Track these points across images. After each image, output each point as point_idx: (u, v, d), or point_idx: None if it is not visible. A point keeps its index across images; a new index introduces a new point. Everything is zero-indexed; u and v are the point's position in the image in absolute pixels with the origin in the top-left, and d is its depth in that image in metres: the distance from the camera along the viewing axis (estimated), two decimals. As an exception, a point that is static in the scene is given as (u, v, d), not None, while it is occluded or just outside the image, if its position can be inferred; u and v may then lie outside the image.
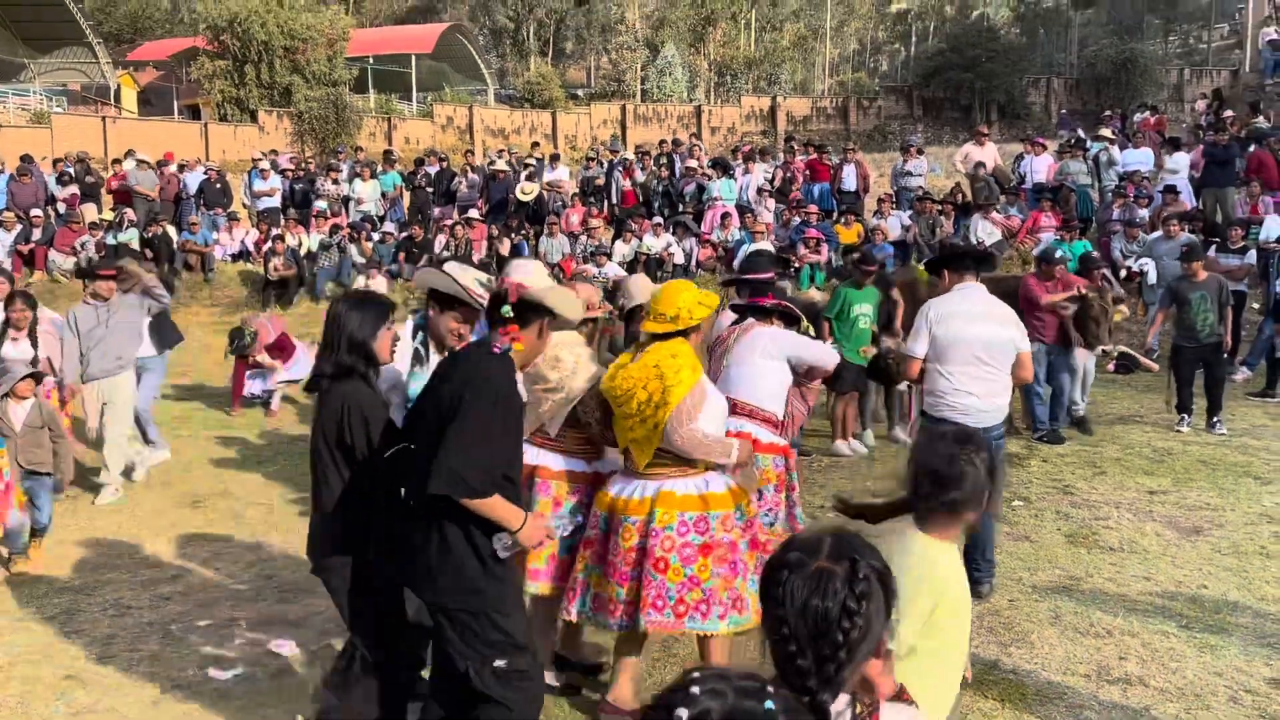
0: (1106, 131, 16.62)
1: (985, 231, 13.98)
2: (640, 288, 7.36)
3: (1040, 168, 15.48)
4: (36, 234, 15.03)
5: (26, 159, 16.95)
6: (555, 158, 19.08)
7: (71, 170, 17.04)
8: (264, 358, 10.30)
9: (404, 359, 4.30)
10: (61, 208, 15.92)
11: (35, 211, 15.43)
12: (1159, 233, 12.38)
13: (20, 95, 31.47)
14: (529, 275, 3.73)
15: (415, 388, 4.10)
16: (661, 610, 3.73)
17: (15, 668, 4.76)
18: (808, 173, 16.44)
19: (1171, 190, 14.07)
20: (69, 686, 4.57)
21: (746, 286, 5.48)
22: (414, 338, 4.42)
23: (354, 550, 3.53)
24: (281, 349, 10.49)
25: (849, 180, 15.88)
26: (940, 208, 14.68)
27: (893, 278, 9.19)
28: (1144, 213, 13.89)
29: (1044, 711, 4.16)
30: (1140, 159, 15.70)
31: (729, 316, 5.30)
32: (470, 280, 3.70)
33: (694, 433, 3.78)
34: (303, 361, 10.30)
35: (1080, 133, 18.97)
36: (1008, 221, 14.34)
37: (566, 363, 4.12)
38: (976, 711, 4.13)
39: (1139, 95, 30.12)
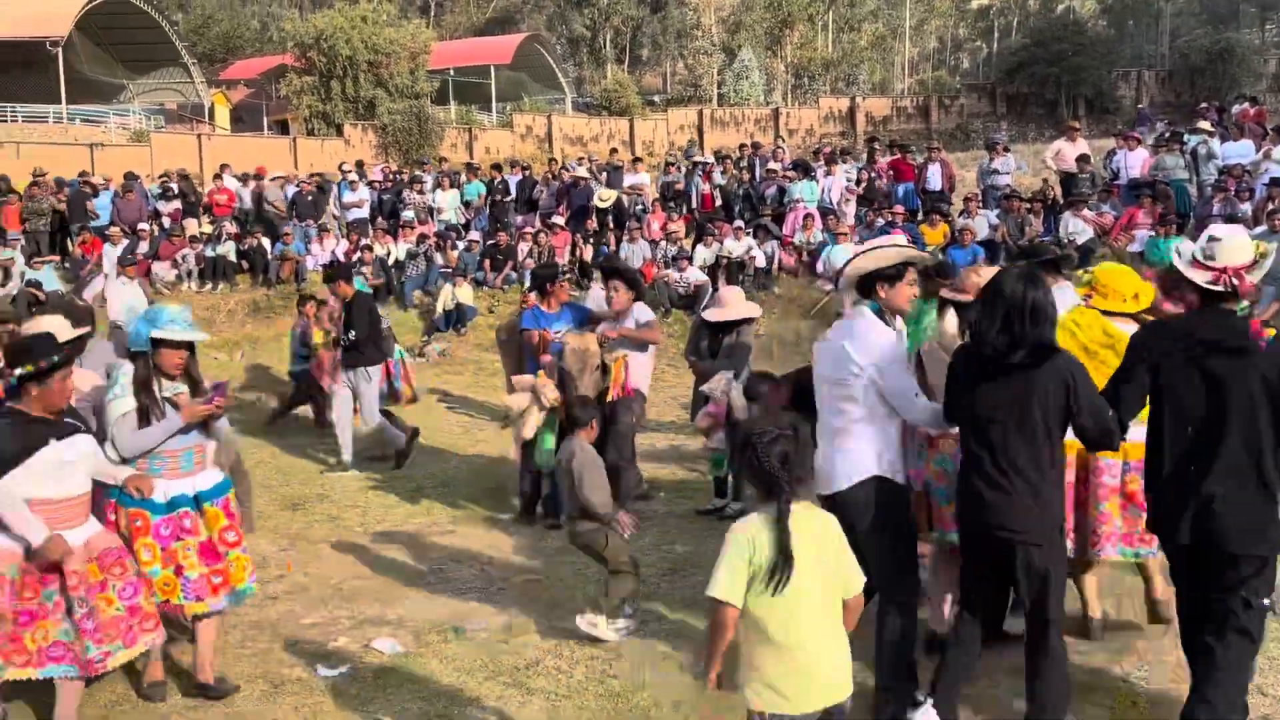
0: (1205, 124, 16.04)
1: (1076, 229, 13.63)
2: (735, 299, 7.41)
3: (1134, 163, 15.02)
4: (142, 247, 15.66)
5: (130, 176, 17.71)
6: (637, 160, 19.18)
7: (175, 186, 17.76)
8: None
9: None
10: (166, 222, 16.56)
11: (141, 226, 16.10)
12: (1263, 227, 11.91)
13: (120, 115, 32.89)
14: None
15: None
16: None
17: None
18: (891, 173, 16.22)
19: (1277, 183, 13.52)
20: (181, 681, 4.72)
21: None
22: None
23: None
24: None
25: (934, 180, 15.63)
26: (1029, 206, 14.35)
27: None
28: (1246, 207, 13.37)
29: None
30: (1241, 152, 15.10)
31: None
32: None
33: None
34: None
35: (1160, 127, 18.36)
36: (1099, 219, 13.95)
37: None
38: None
39: (1236, 86, 29.06)
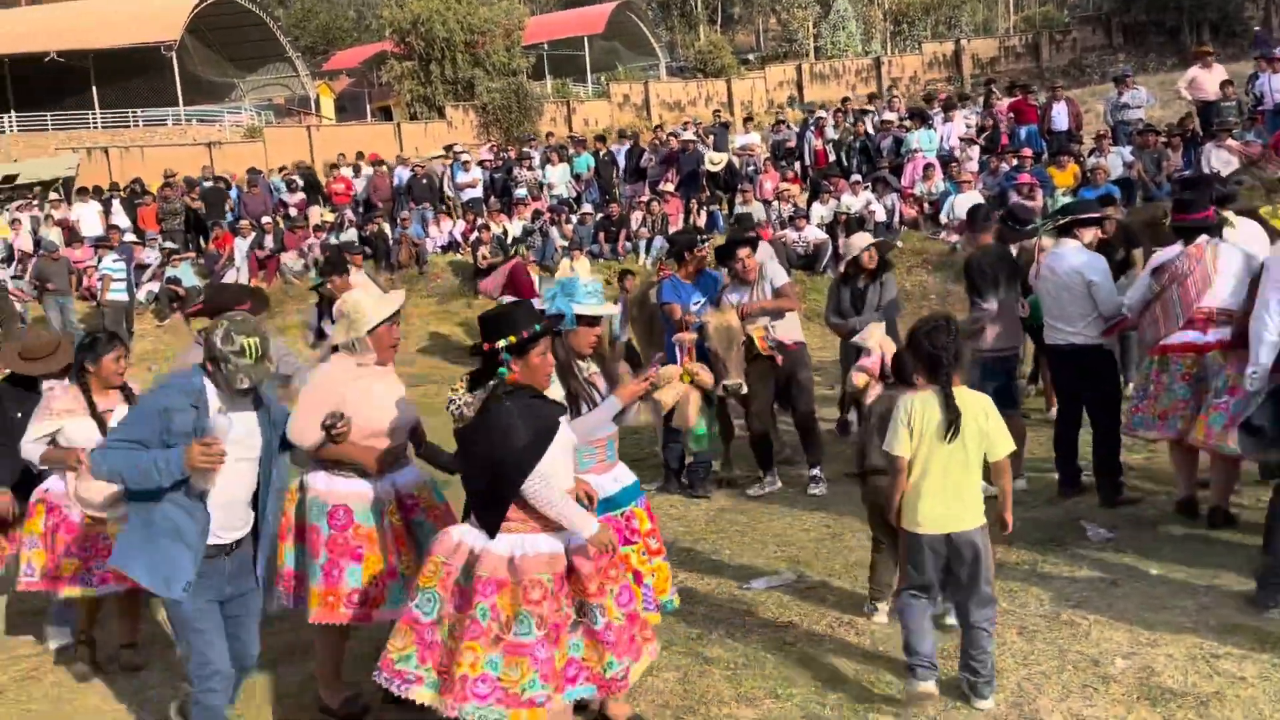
0: (1357, 40, 14.91)
1: (1221, 161, 12.85)
2: (860, 241, 7.19)
3: (1279, 85, 14.07)
4: (268, 240, 16.18)
5: (254, 171, 18.29)
6: (747, 119, 18.90)
7: (298, 178, 18.34)
8: None
9: None
10: (293, 212, 17.07)
11: (265, 219, 16.64)
12: None
13: (234, 113, 33.97)
14: None
15: None
16: None
17: (276, 637, 4.95)
18: (1012, 115, 15.59)
19: None
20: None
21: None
22: None
23: None
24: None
25: (1059, 119, 14.95)
26: (1166, 140, 13.60)
27: (1133, 222, 8.55)
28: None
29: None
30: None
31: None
32: None
33: None
34: None
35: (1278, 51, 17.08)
36: (1246, 148, 13.12)
37: None
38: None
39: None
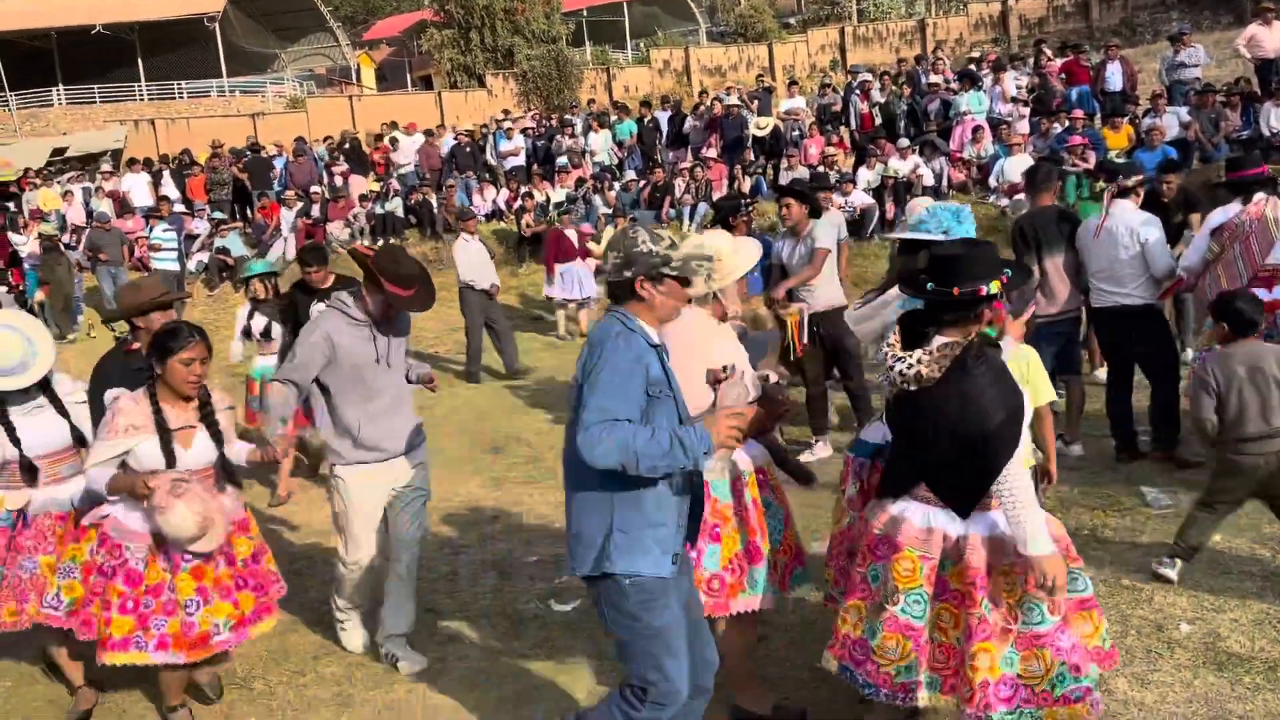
0: None
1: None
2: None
3: (1346, 42, 13.63)
4: (314, 210, 16.31)
5: (300, 141, 18.40)
6: (792, 83, 18.67)
7: (347, 147, 18.49)
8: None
9: None
10: (339, 181, 17.19)
11: (313, 189, 16.77)
12: None
13: (276, 84, 34.18)
14: None
15: None
16: None
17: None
18: (1063, 76, 15.24)
19: None
20: (428, 619, 4.93)
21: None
22: None
23: None
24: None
25: (1114, 79, 14.59)
26: (1225, 100, 13.24)
27: (1193, 185, 8.35)
28: None
29: None
30: None
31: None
32: None
33: None
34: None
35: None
36: (1309, 107, 12.75)
37: None
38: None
39: None
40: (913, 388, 2.98)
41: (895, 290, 3.47)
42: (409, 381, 4.49)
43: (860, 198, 13.87)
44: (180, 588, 3.78)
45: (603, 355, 2.77)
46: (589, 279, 12.74)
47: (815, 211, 7.08)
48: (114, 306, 14.15)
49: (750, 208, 7.49)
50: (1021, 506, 2.89)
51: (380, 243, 16.18)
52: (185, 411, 3.83)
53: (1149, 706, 3.60)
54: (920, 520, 3.05)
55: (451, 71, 31.70)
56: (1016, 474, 2.90)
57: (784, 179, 14.70)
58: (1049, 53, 16.27)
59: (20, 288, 13.57)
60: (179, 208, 16.66)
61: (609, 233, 14.61)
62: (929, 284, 2.97)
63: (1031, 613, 2.94)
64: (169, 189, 17.69)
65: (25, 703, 4.47)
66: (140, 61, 31.86)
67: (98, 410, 4.11)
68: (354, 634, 4.71)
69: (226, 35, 32.33)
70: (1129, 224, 5.79)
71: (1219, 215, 5.67)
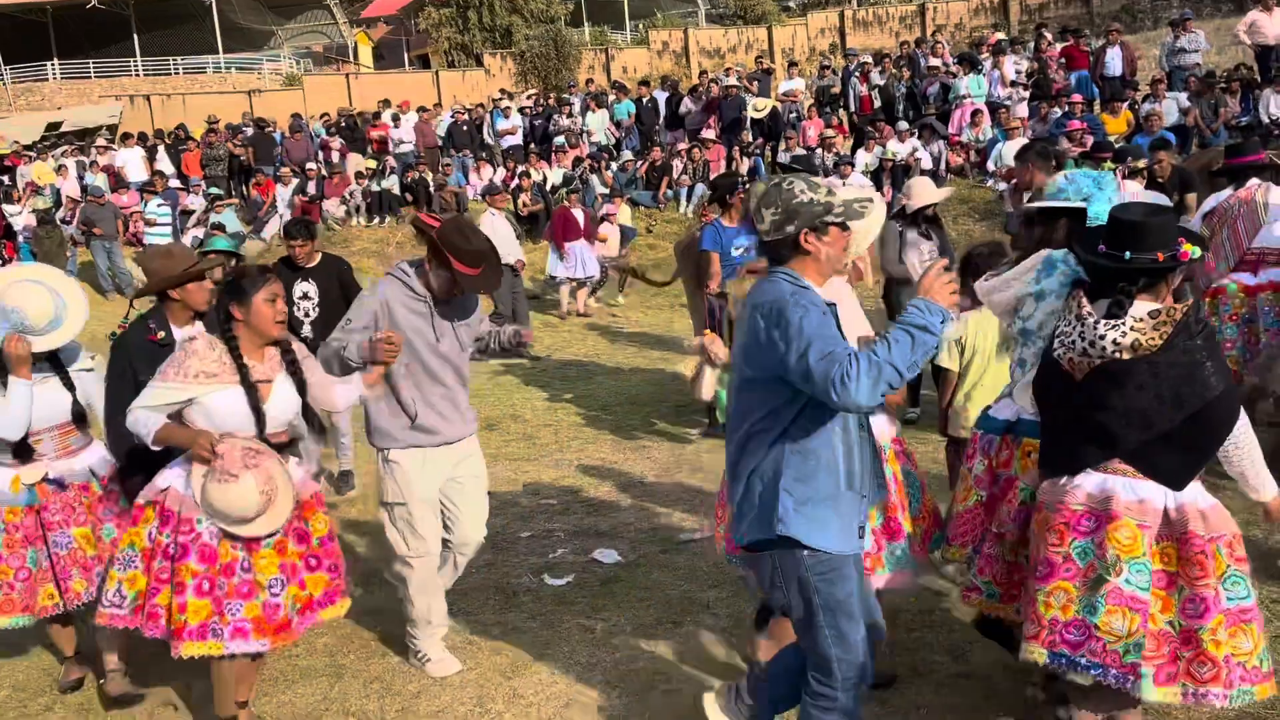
0: None
1: (1279, 109, 12.49)
2: (922, 188, 7.07)
3: (1348, 29, 13.61)
4: (311, 186, 16.25)
5: (297, 117, 18.34)
6: (792, 65, 18.61)
7: (343, 123, 18.40)
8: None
9: None
10: (335, 156, 17.11)
11: (309, 166, 16.70)
12: None
13: (273, 61, 34.00)
14: None
15: None
16: None
17: (372, 580, 5.13)
18: (1063, 60, 15.20)
19: None
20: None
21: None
22: None
23: None
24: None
25: (1113, 64, 14.56)
26: (1225, 86, 13.21)
27: (1189, 166, 8.36)
28: None
29: None
30: None
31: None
32: None
33: None
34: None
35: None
36: (1308, 94, 12.73)
37: None
38: None
39: None
40: (1124, 356, 2.79)
41: (1031, 261, 3.35)
42: (501, 349, 4.19)
43: (859, 179, 13.82)
44: (262, 566, 3.36)
45: (786, 316, 2.57)
46: (591, 259, 12.75)
47: None
48: (109, 282, 14.22)
49: (747, 186, 7.47)
50: (1251, 451, 2.88)
51: (376, 220, 16.14)
52: (263, 363, 3.44)
53: None
54: (1128, 492, 2.84)
55: (449, 50, 31.55)
56: (1242, 425, 2.85)
57: (782, 161, 14.69)
58: (1049, 37, 16.22)
59: (14, 261, 13.52)
60: (174, 183, 16.59)
61: (605, 210, 14.58)
62: (1126, 252, 2.80)
63: (1237, 586, 2.77)
64: (164, 164, 17.61)
65: (16, 670, 4.47)
66: (136, 37, 31.66)
67: (115, 393, 3.83)
68: (446, 661, 4.16)
69: (223, 11, 32.15)
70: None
71: (1212, 200, 5.73)
